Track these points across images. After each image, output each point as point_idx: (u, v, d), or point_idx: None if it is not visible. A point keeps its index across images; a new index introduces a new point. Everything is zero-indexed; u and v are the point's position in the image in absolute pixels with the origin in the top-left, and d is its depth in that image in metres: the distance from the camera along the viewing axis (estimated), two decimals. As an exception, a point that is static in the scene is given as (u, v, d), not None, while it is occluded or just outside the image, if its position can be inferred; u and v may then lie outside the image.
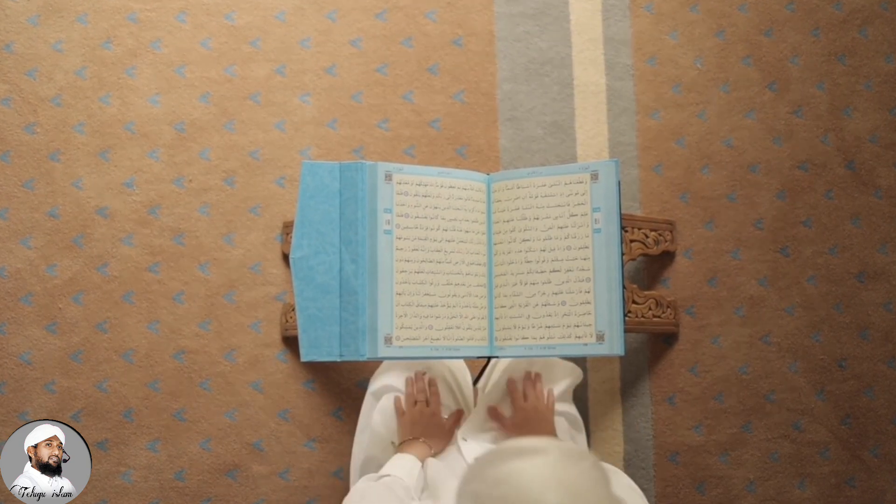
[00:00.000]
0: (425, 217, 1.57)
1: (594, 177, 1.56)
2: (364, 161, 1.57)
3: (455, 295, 1.58)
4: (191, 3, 2.01)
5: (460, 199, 1.60)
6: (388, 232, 1.54)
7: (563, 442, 0.93)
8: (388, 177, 1.57)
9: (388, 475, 1.41)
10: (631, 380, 1.95)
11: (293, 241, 1.54)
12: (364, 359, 1.52)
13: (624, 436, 1.93)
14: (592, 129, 1.99)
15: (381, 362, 1.72)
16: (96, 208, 1.96)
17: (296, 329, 1.59)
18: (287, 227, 1.94)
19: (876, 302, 1.94)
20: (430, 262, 1.57)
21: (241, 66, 2.00)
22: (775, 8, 2.01)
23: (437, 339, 1.56)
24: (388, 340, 1.52)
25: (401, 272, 1.55)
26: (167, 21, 2.00)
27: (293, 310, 1.87)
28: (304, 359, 1.54)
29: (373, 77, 2.00)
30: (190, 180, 1.97)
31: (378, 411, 1.61)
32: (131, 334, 1.94)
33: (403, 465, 1.45)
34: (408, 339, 1.54)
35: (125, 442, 1.92)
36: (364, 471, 1.58)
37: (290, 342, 1.94)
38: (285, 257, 1.94)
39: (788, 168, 1.97)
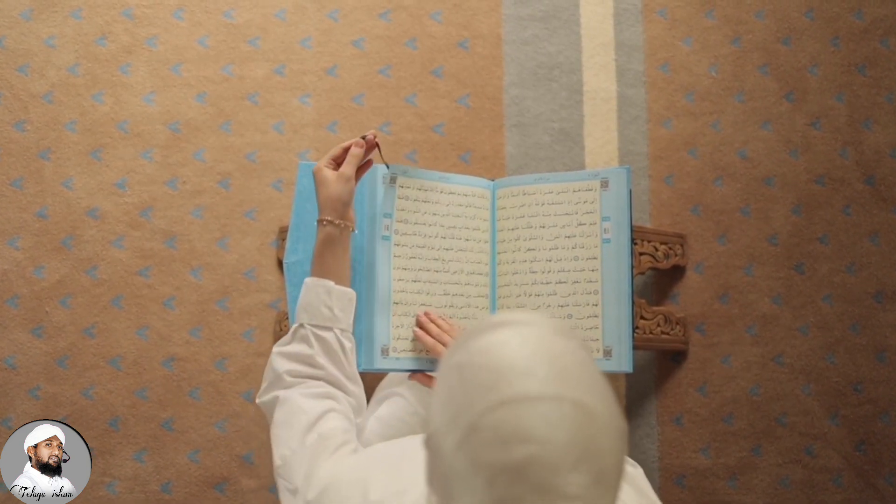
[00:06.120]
0: (425, 224, 1.51)
1: (604, 184, 1.50)
2: (363, 163, 1.51)
3: (453, 306, 1.51)
4: (188, 0, 1.97)
5: (461, 205, 1.54)
6: (386, 238, 1.48)
7: (550, 318, 0.86)
8: (391, 180, 1.51)
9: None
10: (637, 399, 1.90)
11: (287, 244, 1.49)
12: (360, 370, 1.46)
13: (628, 457, 1.88)
14: (602, 138, 1.94)
15: (383, 376, 1.67)
16: (86, 209, 1.92)
17: (288, 338, 1.53)
18: (283, 233, 1.89)
19: (893, 323, 1.89)
20: (428, 270, 1.51)
21: (238, 66, 1.95)
22: (794, 16, 1.96)
23: None
24: (384, 352, 1.46)
25: (398, 280, 1.48)
26: (163, 17, 1.96)
27: (287, 318, 1.82)
28: (295, 369, 1.49)
29: (375, 79, 1.96)
30: (184, 182, 1.93)
31: (375, 418, 1.56)
32: (119, 340, 1.89)
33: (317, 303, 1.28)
34: (404, 350, 1.48)
35: (111, 451, 1.87)
36: None
37: (284, 352, 1.88)
38: (280, 263, 1.90)
39: (805, 182, 1.92)
